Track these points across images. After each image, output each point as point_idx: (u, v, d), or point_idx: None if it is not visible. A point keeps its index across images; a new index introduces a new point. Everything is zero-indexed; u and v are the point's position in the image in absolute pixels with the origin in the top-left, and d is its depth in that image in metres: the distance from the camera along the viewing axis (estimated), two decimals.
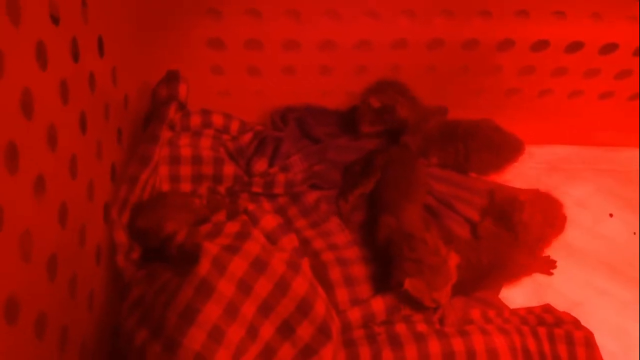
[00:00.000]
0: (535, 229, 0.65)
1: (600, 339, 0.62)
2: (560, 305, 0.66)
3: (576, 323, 0.64)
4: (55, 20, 0.43)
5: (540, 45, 0.70)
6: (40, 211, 0.40)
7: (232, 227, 0.53)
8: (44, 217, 0.40)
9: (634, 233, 0.75)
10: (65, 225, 0.44)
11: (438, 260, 0.57)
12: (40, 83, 0.39)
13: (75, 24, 0.47)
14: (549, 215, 0.67)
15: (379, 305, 0.59)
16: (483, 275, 0.65)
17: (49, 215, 0.41)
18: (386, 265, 0.61)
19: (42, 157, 0.40)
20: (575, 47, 0.70)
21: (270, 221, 0.58)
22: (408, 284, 0.57)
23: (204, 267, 0.47)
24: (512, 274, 0.67)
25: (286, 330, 0.49)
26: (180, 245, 0.52)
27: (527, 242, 0.66)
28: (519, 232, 0.65)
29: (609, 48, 0.70)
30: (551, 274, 0.70)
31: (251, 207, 0.58)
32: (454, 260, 0.59)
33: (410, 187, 0.67)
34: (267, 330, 0.49)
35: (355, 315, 0.58)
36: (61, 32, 0.44)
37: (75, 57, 0.47)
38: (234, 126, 0.73)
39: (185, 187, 0.68)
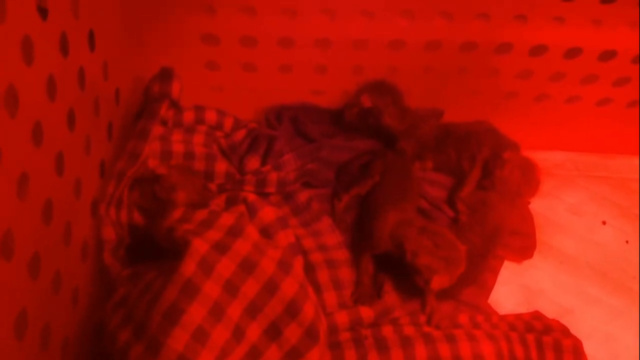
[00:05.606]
0: (513, 184, 0.71)
1: (590, 347, 0.62)
2: (550, 311, 0.66)
3: (565, 331, 0.64)
4: (43, 11, 0.42)
5: (539, 49, 0.69)
6: (24, 209, 0.39)
7: (227, 219, 0.52)
8: (27, 215, 0.40)
9: (627, 241, 0.75)
10: (49, 222, 0.43)
11: (459, 254, 0.58)
12: (25, 79, 0.39)
13: (64, 18, 0.46)
14: (527, 174, 0.72)
15: (367, 311, 0.59)
16: (485, 247, 0.67)
17: (32, 212, 0.41)
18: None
19: (26, 155, 0.40)
20: (573, 52, 0.69)
21: (269, 214, 0.57)
22: (436, 283, 0.57)
23: (190, 267, 0.46)
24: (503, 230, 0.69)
25: (273, 332, 0.49)
26: (170, 228, 0.51)
27: (506, 195, 0.71)
28: (498, 185, 0.70)
29: (608, 55, 0.70)
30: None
31: (251, 197, 0.57)
32: (464, 250, 0.60)
33: (402, 194, 0.66)
34: (253, 332, 0.48)
35: (342, 318, 0.58)
36: (49, 27, 0.43)
37: (65, 51, 0.46)
38: (228, 123, 0.72)
39: None
